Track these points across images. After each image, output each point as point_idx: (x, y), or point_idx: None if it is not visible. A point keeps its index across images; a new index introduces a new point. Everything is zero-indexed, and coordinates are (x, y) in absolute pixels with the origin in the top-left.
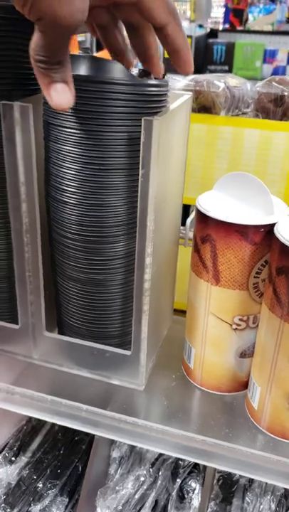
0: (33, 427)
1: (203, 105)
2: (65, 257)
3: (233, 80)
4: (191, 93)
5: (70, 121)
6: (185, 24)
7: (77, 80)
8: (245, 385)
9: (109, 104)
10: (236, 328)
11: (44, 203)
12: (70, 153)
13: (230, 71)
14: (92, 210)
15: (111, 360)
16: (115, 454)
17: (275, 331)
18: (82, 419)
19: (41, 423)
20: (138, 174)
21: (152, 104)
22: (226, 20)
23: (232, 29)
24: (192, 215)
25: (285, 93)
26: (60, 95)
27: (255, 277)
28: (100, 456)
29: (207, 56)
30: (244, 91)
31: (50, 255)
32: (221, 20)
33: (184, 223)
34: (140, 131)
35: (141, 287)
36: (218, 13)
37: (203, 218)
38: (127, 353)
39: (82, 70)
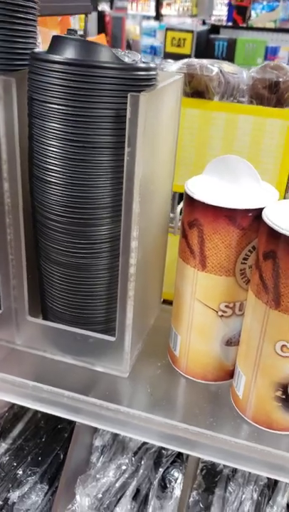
0: (14, 414)
1: (196, 89)
2: (48, 239)
3: (229, 67)
4: (182, 74)
5: (55, 98)
6: (188, 20)
7: (65, 63)
8: (231, 374)
9: (96, 86)
10: (222, 315)
11: (28, 183)
12: (55, 130)
13: None
14: (76, 191)
15: (95, 346)
16: (98, 442)
17: (261, 318)
18: (64, 406)
19: (23, 410)
20: (124, 153)
21: (140, 83)
22: (229, 17)
23: (235, 26)
24: (182, 204)
25: (280, 79)
26: None
27: (242, 263)
28: (82, 444)
29: (208, 52)
30: (240, 79)
31: (33, 238)
32: (224, 18)
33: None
34: (126, 108)
35: (126, 272)
36: (221, 10)
37: (190, 202)
38: (112, 339)
39: (70, 52)
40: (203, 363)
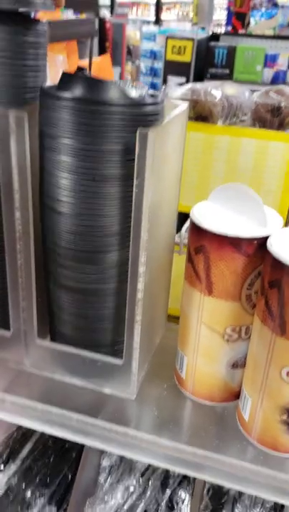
0: (23, 433)
1: (200, 114)
2: (58, 265)
3: (231, 89)
4: (187, 103)
5: (65, 132)
6: (187, 26)
7: (75, 100)
8: (236, 396)
9: (105, 122)
10: (228, 339)
11: (38, 211)
12: (65, 163)
13: (231, 74)
14: (86, 220)
15: (103, 368)
16: (105, 462)
17: (267, 343)
18: (73, 429)
19: (32, 430)
20: (132, 184)
21: (148, 117)
22: (228, 22)
23: (234, 32)
24: (187, 223)
25: (282, 104)
26: None
27: (247, 289)
28: (90, 465)
29: (208, 59)
30: (242, 99)
31: (43, 263)
32: (224, 22)
33: (179, 229)
34: (134, 141)
35: (134, 297)
36: (221, 15)
37: (197, 229)
38: (119, 362)
39: (79, 89)
40: (209, 385)
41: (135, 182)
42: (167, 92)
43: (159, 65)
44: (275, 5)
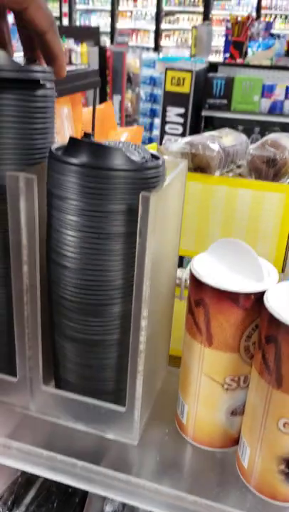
0: (27, 479)
1: (199, 166)
2: (62, 317)
3: (228, 138)
4: (186, 161)
5: (72, 194)
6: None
7: (82, 165)
8: (236, 441)
9: (110, 186)
10: (228, 388)
11: (45, 264)
12: (72, 222)
13: (229, 105)
14: (90, 275)
15: (106, 415)
16: (108, 508)
17: (264, 395)
18: (77, 476)
19: (36, 475)
20: (135, 241)
21: (150, 180)
22: (226, 50)
23: (232, 60)
24: (187, 269)
25: (277, 156)
26: None
27: (246, 340)
28: (93, 511)
29: (207, 90)
30: (238, 147)
31: (48, 314)
32: (222, 49)
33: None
34: (137, 202)
35: (136, 349)
36: (219, 41)
37: (197, 283)
38: (122, 409)
39: (85, 155)
40: (209, 431)
41: (138, 240)
42: (167, 147)
43: (159, 91)
44: (272, 35)
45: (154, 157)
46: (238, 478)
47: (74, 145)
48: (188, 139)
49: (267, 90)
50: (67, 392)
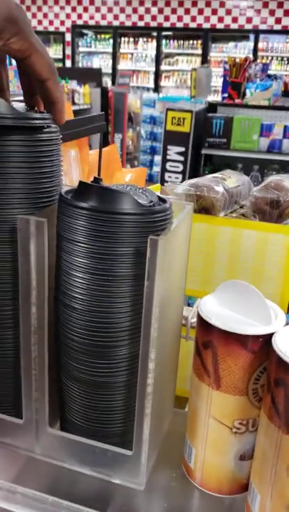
0: None
1: (204, 207)
2: (70, 358)
3: (231, 180)
4: (192, 205)
5: (82, 236)
6: (185, 93)
7: (92, 209)
8: (245, 487)
9: (119, 229)
10: (236, 432)
11: (53, 305)
12: (81, 264)
13: (228, 143)
14: (99, 317)
15: (112, 458)
16: None
17: (274, 440)
18: None
19: None
20: (143, 283)
21: (157, 223)
22: (224, 90)
23: (230, 100)
24: (193, 309)
25: (281, 198)
26: None
27: (254, 383)
28: None
29: (206, 129)
30: (240, 188)
31: (55, 355)
32: (220, 89)
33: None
34: (146, 245)
35: (144, 391)
36: (218, 82)
37: (205, 325)
38: (129, 453)
39: (95, 197)
40: (217, 476)
41: (146, 283)
42: (172, 188)
43: (158, 129)
44: (269, 76)
45: (161, 200)
46: None
47: (84, 189)
48: (192, 181)
49: (265, 129)
50: (73, 435)
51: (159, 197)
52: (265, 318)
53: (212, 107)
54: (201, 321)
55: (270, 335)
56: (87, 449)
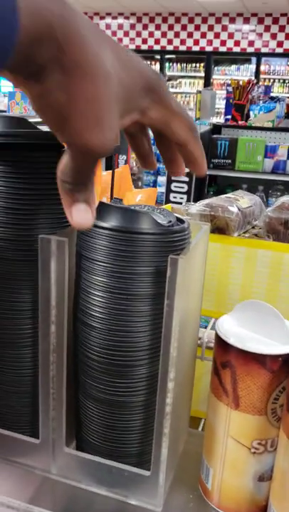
0: None
1: (218, 226)
2: (88, 377)
3: (244, 200)
4: (209, 224)
5: (102, 256)
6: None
7: (112, 229)
8: (264, 509)
9: (139, 248)
10: (255, 452)
11: (72, 324)
12: (100, 283)
13: (233, 164)
14: (117, 335)
15: (129, 479)
16: None
17: None
18: None
19: None
20: (162, 302)
21: (177, 243)
22: (227, 112)
23: (234, 122)
24: (208, 330)
25: None
26: (81, 214)
27: (273, 403)
28: None
29: (211, 150)
30: (253, 208)
31: (73, 374)
32: (223, 111)
33: None
34: (165, 265)
35: (162, 411)
36: (220, 104)
37: (223, 345)
38: (147, 473)
39: (115, 217)
40: (235, 498)
41: (166, 302)
42: (186, 209)
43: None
44: (272, 98)
45: (179, 220)
46: None
47: (104, 209)
48: (206, 201)
49: (270, 151)
50: (90, 455)
51: (176, 217)
52: (284, 337)
53: (216, 128)
54: (220, 340)
55: None
56: (104, 469)
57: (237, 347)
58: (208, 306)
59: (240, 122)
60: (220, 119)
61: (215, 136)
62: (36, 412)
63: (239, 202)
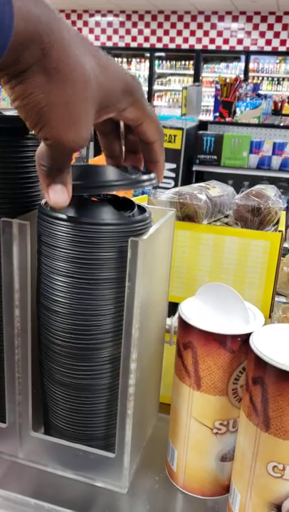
0: None
1: (187, 214)
2: (52, 361)
3: (215, 189)
4: (174, 211)
5: (62, 243)
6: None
7: (71, 219)
8: (227, 489)
9: (98, 236)
10: (217, 433)
11: (35, 309)
12: (61, 269)
13: (219, 160)
14: (80, 320)
15: (95, 461)
16: None
17: (253, 439)
18: None
19: None
20: (124, 286)
21: (137, 229)
22: (215, 110)
23: (222, 119)
24: (177, 315)
25: (261, 206)
26: (58, 194)
27: (234, 383)
28: None
29: (197, 146)
30: (224, 198)
31: (38, 359)
32: (212, 109)
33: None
34: (126, 250)
35: (125, 392)
36: (209, 102)
37: (185, 326)
38: (111, 455)
39: (75, 208)
40: (199, 478)
41: (127, 284)
42: (157, 197)
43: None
44: (259, 95)
45: (141, 209)
46: None
47: None
48: (176, 189)
49: (255, 147)
50: (56, 439)
51: (138, 205)
52: (244, 318)
53: (203, 125)
54: (182, 322)
55: (249, 334)
56: (70, 452)
57: (198, 327)
58: (178, 293)
59: (227, 119)
60: (209, 117)
61: (201, 132)
62: (2, 397)
63: (209, 191)
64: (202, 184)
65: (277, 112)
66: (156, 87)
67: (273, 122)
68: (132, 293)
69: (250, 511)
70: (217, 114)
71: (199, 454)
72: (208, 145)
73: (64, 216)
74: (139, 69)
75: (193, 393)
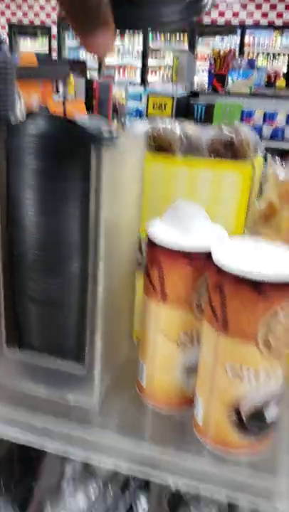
0: None
1: (161, 145)
2: (23, 277)
3: (191, 127)
4: (144, 136)
5: (30, 159)
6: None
7: (37, 136)
8: (192, 402)
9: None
10: (181, 345)
11: (5, 227)
12: (29, 183)
13: None
14: (48, 234)
15: (67, 378)
16: (67, 470)
17: (213, 343)
18: (37, 432)
19: None
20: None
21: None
22: (209, 84)
23: (214, 91)
24: None
25: (234, 139)
26: None
27: (198, 299)
28: (52, 472)
29: (188, 114)
30: (200, 137)
31: (10, 275)
32: (206, 84)
33: None
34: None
35: (94, 305)
36: (203, 76)
37: (150, 244)
38: (82, 371)
39: (40, 126)
40: (166, 392)
41: (92, 192)
42: (130, 128)
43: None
44: (252, 66)
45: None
46: (193, 436)
47: (30, 117)
48: (152, 123)
49: (246, 116)
50: (28, 354)
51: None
52: (208, 235)
53: (195, 95)
54: (148, 240)
55: (209, 248)
56: (42, 368)
57: (162, 244)
58: None
59: (220, 91)
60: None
61: (192, 100)
62: None
63: (186, 127)
64: (177, 122)
65: (271, 84)
66: (150, 61)
67: (265, 93)
68: (97, 204)
69: (213, 417)
70: (210, 88)
71: (165, 368)
72: (198, 113)
73: (30, 131)
74: (133, 43)
75: (160, 308)
